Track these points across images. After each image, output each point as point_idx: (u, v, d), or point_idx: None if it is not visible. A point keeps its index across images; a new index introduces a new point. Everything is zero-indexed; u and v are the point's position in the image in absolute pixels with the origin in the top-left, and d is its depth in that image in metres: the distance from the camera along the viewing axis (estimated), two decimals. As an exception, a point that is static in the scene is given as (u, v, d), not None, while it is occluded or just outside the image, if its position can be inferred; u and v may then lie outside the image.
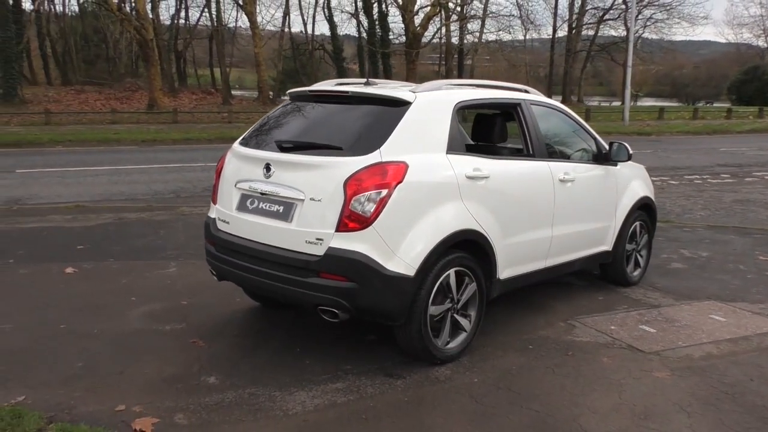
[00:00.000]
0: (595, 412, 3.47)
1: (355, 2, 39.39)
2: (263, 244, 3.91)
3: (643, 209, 5.87)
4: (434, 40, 34.34)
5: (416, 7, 28.62)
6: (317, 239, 3.66)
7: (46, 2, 39.63)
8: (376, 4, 37.56)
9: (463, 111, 4.41)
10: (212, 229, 4.32)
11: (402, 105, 3.95)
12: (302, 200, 3.74)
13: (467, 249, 4.08)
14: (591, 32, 37.93)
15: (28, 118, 22.61)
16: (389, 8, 35.31)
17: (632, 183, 5.72)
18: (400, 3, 29.13)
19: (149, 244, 7.03)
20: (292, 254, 3.75)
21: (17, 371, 3.81)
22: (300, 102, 4.47)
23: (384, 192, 3.60)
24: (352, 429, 3.26)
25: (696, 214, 9.94)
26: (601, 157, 5.35)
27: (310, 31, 43.52)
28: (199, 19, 41.03)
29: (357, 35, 40.99)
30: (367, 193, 3.59)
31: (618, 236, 5.55)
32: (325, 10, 40.61)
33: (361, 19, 39.48)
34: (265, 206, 3.95)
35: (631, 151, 5.34)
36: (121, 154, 15.90)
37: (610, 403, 3.58)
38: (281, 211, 3.85)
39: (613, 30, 37.17)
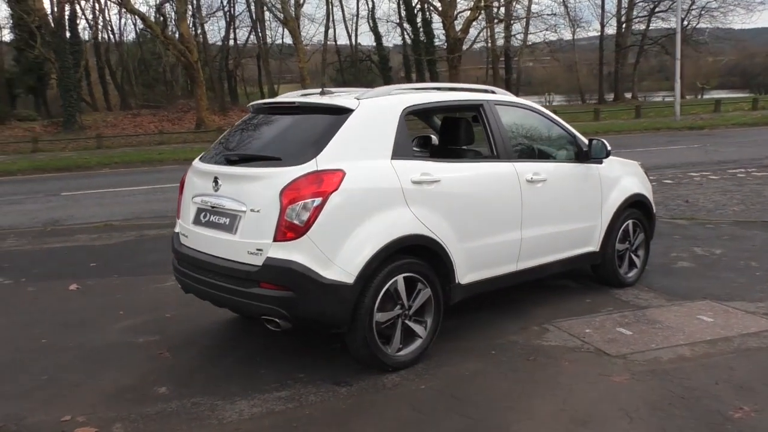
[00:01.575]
0: (532, 419, 3.38)
1: (399, 11, 39.62)
2: (214, 256, 3.99)
3: (637, 207, 5.66)
4: (479, 44, 34.14)
5: (456, 12, 28.51)
6: (257, 250, 3.71)
7: (103, 32, 41.61)
8: (419, 13, 37.68)
9: (415, 115, 4.39)
10: (175, 243, 4.44)
11: (344, 113, 3.97)
12: (244, 212, 3.80)
13: (419, 254, 4.04)
14: (641, 27, 36.78)
15: (82, 143, 23.73)
16: (432, 15, 35.33)
17: (622, 180, 5.53)
18: (440, 9, 29.11)
19: (157, 260, 7.24)
20: (237, 265, 3.81)
21: (-18, 384, 4.01)
22: (260, 114, 4.54)
23: (318, 201, 3.62)
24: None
25: (729, 210, 9.49)
26: (582, 156, 5.20)
27: (356, 42, 43.94)
28: (247, 39, 42.15)
29: (402, 44, 41.19)
30: (301, 202, 3.62)
31: (605, 236, 5.37)
32: (370, 21, 41.03)
33: (405, 27, 39.68)
34: (215, 219, 4.03)
35: (609, 148, 5.18)
36: (162, 174, 16.46)
37: (552, 409, 3.47)
38: (227, 223, 3.92)
39: (664, 22, 35.95)
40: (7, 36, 36.60)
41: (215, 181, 4.02)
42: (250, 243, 3.74)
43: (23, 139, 24.47)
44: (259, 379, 3.95)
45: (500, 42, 35.44)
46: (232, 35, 43.01)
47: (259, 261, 3.69)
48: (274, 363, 4.19)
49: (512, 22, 34.08)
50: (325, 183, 3.66)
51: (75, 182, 15.59)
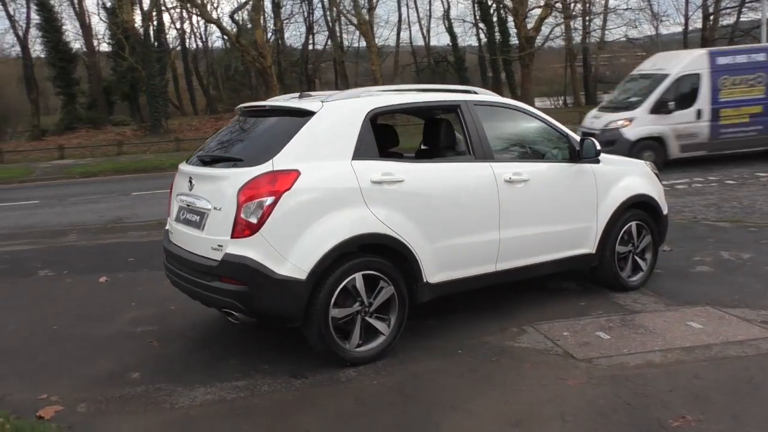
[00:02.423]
0: (468, 417, 3.40)
1: (474, 11, 39.28)
2: (188, 251, 4.24)
3: (642, 208, 5.48)
4: (554, 43, 33.29)
5: (527, 10, 27.94)
6: (219, 246, 3.92)
7: (191, 40, 43.67)
8: (495, 13, 37.25)
9: (383, 116, 4.47)
10: (165, 240, 4.73)
11: (306, 115, 4.11)
12: (210, 210, 4.02)
13: (382, 253, 4.13)
14: (730, 20, 34.69)
15: (163, 146, 25.01)
16: (507, 14, 34.83)
17: (622, 180, 5.36)
18: (511, 7, 28.67)
19: (187, 256, 7.64)
20: (202, 260, 4.04)
21: (-13, 365, 4.44)
22: (243, 116, 4.76)
23: (270, 200, 3.78)
24: (221, 423, 3.46)
25: (789, 213, 8.93)
26: (575, 155, 5.10)
27: (433, 43, 43.94)
28: (326, 44, 42.96)
29: (477, 44, 40.81)
30: (256, 201, 3.79)
31: (602, 238, 5.23)
32: (445, 21, 40.89)
33: (481, 27, 39.31)
34: (189, 216, 4.27)
35: (598, 147, 5.05)
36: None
37: (493, 409, 3.48)
38: (198, 220, 4.16)
39: (755, 13, 33.68)
40: (106, 46, 39.07)
41: (190, 180, 4.27)
42: (213, 239, 3.96)
43: (112, 143, 26.08)
44: (226, 369, 4.15)
45: (576, 39, 34.44)
46: (311, 40, 44.07)
47: (219, 256, 3.90)
48: (246, 355, 4.38)
49: (590, 18, 33.02)
50: (278, 183, 3.81)
51: (147, 183, 16.52)
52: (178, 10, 34.12)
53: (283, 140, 4.00)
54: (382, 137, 5.34)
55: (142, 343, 4.74)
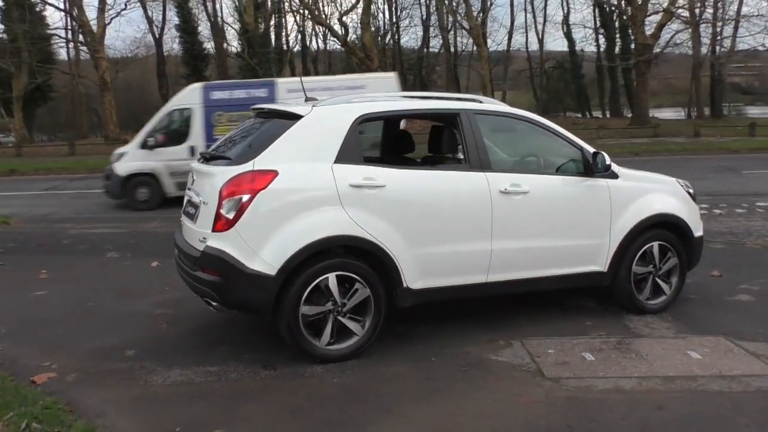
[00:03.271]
0: (399, 423, 3.45)
1: (594, 16, 37.95)
2: (185, 242, 4.55)
3: (667, 228, 5.18)
4: (674, 50, 31.45)
5: (645, 16, 26.59)
6: (204, 238, 4.19)
7: (313, 41, 45.34)
8: (618, 19, 35.79)
9: (372, 123, 4.55)
10: (176, 231, 5.08)
11: (294, 119, 4.29)
12: (201, 204, 4.30)
13: (359, 255, 4.22)
14: None
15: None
16: (628, 21, 33.33)
17: (644, 198, 5.10)
18: (629, 13, 27.41)
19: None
20: (191, 250, 4.33)
21: (16, 330, 4.98)
22: (253, 118, 5.01)
23: (246, 197, 4.00)
24: (177, 403, 3.71)
25: None
26: (588, 169, 4.92)
27: (547, 48, 42.85)
28: (441, 48, 43.16)
29: (596, 50, 39.41)
30: (234, 198, 4.02)
31: (616, 256, 5.00)
32: (564, 26, 39.79)
33: (601, 32, 37.91)
34: (189, 209, 4.59)
35: (607, 162, 4.84)
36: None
37: (427, 418, 3.49)
38: (193, 213, 4.46)
39: None
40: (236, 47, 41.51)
41: (192, 176, 4.58)
42: (201, 232, 4.23)
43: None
44: (210, 355, 4.41)
45: (703, 48, 32.36)
46: (427, 43, 44.41)
47: (202, 248, 4.17)
48: (237, 344, 4.62)
49: (720, 25, 30.88)
50: (256, 182, 4.02)
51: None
52: (295, 12, 35.48)
53: (268, 142, 4.21)
54: (398, 143, 5.46)
55: (152, 324, 5.13)
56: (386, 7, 41.37)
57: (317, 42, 48.16)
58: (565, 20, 39.55)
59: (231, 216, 4.02)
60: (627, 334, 4.73)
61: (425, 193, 4.41)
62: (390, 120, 5.10)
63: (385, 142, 5.66)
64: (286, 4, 32.33)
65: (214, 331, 4.94)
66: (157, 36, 37.96)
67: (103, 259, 7.66)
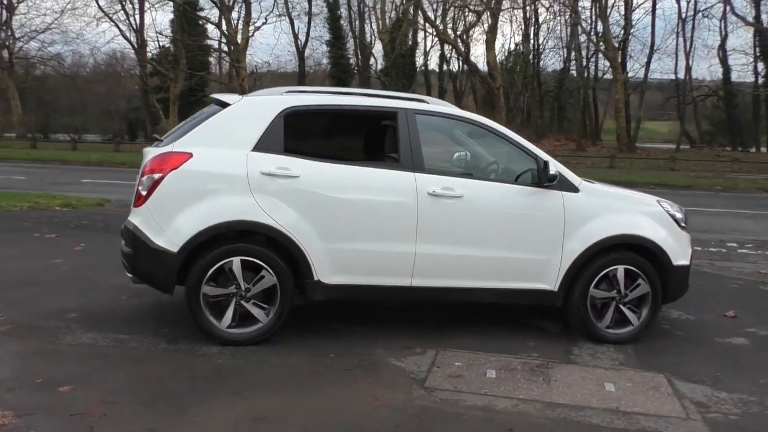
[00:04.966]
0: (235, 404, 3.44)
1: (754, 43, 34.76)
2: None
3: (639, 252, 4.71)
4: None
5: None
6: (130, 214, 4.45)
7: (452, 60, 45.69)
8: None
9: (304, 116, 4.58)
10: None
11: (224, 106, 4.45)
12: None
13: (268, 243, 4.27)
14: None
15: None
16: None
17: (608, 216, 4.67)
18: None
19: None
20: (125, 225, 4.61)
21: (31, 291, 5.53)
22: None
23: (158, 176, 4.21)
24: (62, 361, 3.96)
25: None
26: (544, 179, 4.60)
27: (695, 76, 39.81)
28: (582, 70, 41.61)
29: (754, 79, 36.00)
30: (148, 176, 4.25)
31: (567, 275, 4.62)
32: (720, 51, 36.83)
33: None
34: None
35: (552, 172, 4.47)
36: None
37: (264, 402, 3.47)
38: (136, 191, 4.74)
39: None
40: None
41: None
42: (131, 209, 4.51)
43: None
44: (133, 326, 4.62)
45: None
46: (569, 66, 43.06)
47: (125, 223, 4.43)
48: (166, 321, 4.79)
49: None
50: (169, 162, 4.22)
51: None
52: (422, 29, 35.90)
53: (193, 126, 4.40)
54: (383, 140, 5.37)
55: (117, 295, 5.46)
56: (524, 26, 40.76)
57: (458, 62, 48.47)
58: (722, 45, 36.58)
59: (144, 193, 4.24)
60: (558, 359, 4.36)
61: (342, 188, 4.37)
62: (341, 116, 5.07)
63: (368, 141, 5.61)
64: (420, 22, 32.85)
65: (162, 306, 5.17)
66: (300, 49, 40.13)
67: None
